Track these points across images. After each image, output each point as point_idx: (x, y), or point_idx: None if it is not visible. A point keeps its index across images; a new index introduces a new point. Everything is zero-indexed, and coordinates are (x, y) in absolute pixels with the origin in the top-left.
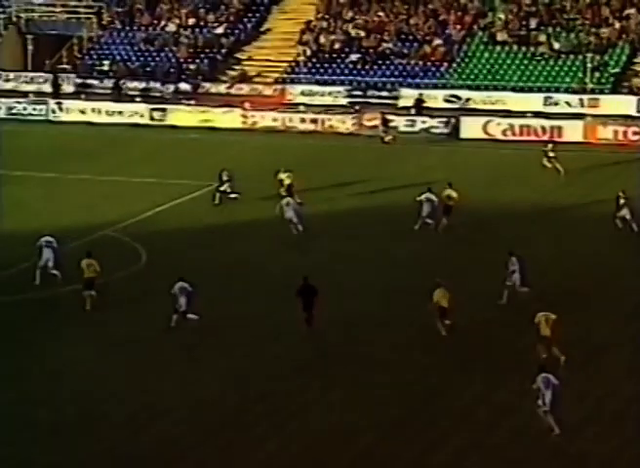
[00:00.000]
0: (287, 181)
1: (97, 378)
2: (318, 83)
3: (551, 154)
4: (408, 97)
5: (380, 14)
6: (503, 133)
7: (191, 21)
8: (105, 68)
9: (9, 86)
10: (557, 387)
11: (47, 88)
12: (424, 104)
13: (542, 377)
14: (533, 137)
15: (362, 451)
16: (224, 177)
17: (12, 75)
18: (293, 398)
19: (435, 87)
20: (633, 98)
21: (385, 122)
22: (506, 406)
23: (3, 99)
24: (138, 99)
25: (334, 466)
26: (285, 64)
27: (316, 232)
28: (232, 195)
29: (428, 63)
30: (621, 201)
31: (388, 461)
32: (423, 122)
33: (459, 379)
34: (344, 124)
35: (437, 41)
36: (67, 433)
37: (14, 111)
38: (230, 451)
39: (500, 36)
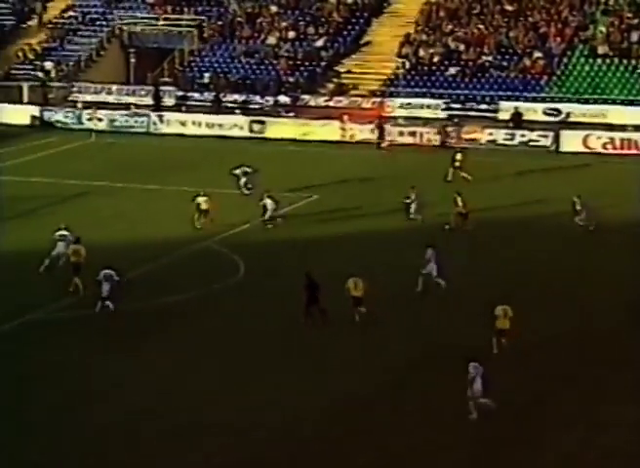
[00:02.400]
0: (204, 206)
1: (191, 387)
2: (417, 96)
3: (458, 164)
4: (507, 110)
5: (480, 26)
6: (604, 146)
7: (291, 35)
8: (206, 81)
9: (111, 98)
10: (485, 375)
11: (148, 100)
12: (522, 117)
13: (472, 366)
14: (634, 151)
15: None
16: (245, 170)
17: (114, 88)
18: (390, 412)
19: (535, 100)
20: None
21: (381, 129)
22: (602, 423)
23: (105, 112)
24: (237, 112)
25: None
26: (384, 77)
27: (415, 244)
28: (246, 191)
29: (528, 76)
30: (577, 207)
31: None
32: (522, 135)
33: (557, 392)
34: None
35: (537, 54)
36: (169, 442)
37: (116, 123)
38: (323, 464)
39: (602, 49)
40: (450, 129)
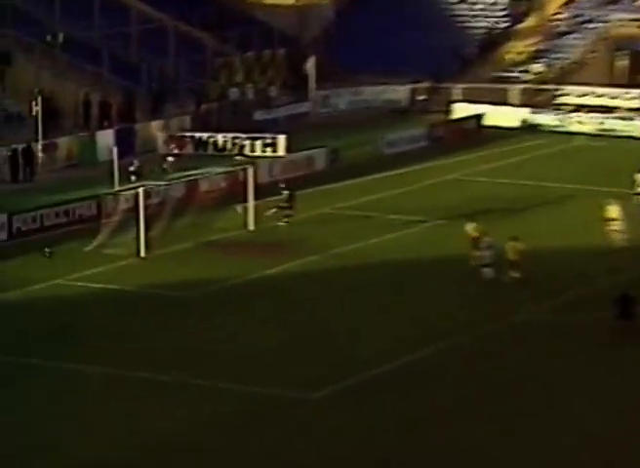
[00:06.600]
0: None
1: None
2: None
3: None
4: None
5: None
6: None
7: None
8: None
9: (598, 101)
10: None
11: (635, 104)
12: None
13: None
14: None
15: None
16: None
17: (600, 91)
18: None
19: None
20: None
21: None
22: None
23: (591, 115)
24: None
25: None
26: None
27: None
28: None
29: None
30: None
31: None
32: None
33: None
34: None
35: None
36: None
37: (602, 127)
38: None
39: None
40: None
